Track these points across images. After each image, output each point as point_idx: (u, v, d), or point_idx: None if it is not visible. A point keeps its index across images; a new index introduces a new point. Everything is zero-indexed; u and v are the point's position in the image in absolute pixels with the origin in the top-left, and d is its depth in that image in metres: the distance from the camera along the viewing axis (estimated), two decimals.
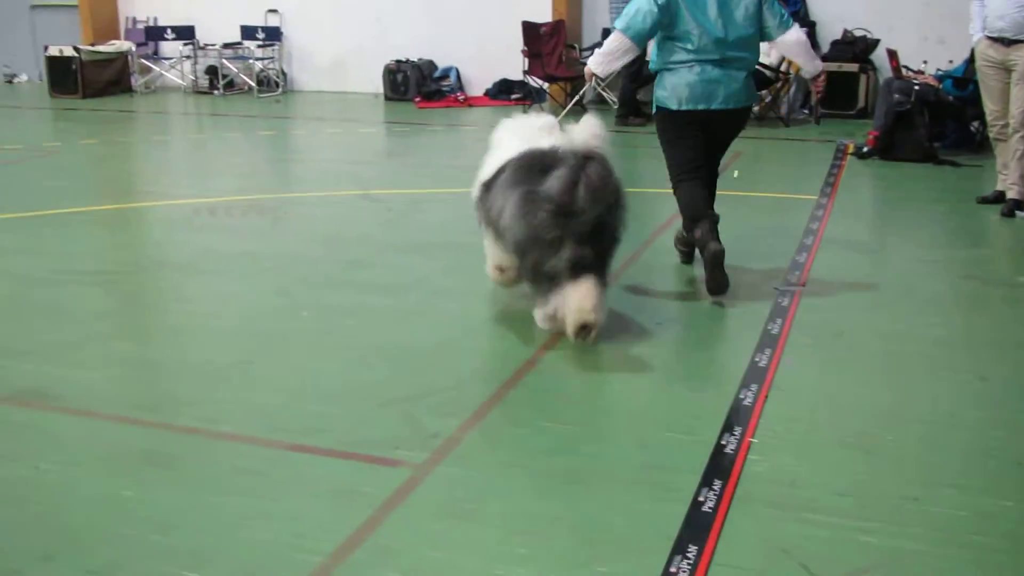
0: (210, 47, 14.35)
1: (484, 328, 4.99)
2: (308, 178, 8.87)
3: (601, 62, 5.42)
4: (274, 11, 14.31)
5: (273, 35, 14.09)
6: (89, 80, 13.96)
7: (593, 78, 5.61)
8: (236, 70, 14.34)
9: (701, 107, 5.21)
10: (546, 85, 12.33)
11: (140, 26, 15.02)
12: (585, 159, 4.34)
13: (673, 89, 5.25)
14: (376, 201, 7.74)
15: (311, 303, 5.31)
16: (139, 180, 9.21)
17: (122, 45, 14.63)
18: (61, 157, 9.99)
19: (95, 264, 6.23)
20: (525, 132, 4.91)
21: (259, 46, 14.15)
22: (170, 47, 14.88)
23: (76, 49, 13.96)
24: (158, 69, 14.85)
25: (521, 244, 4.43)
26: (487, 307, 5.27)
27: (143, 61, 14.82)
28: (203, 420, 3.87)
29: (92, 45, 14.39)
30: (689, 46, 5.16)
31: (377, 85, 13.69)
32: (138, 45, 14.80)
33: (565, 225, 4.27)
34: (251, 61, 14.21)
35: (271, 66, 14.21)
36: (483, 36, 13.30)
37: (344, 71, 14.22)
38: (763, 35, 5.32)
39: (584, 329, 4.34)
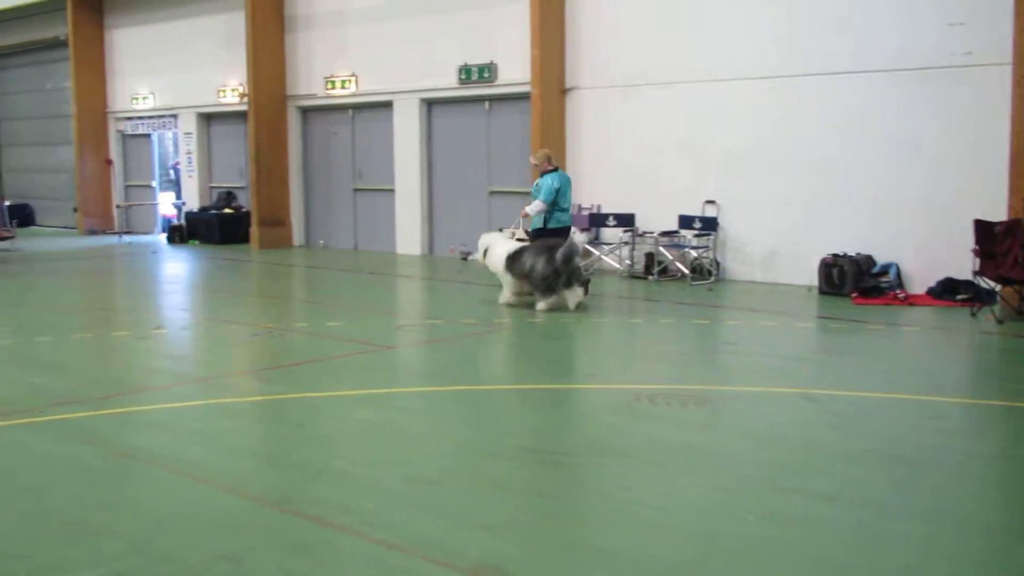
0: (648, 234, 14.97)
1: (947, 560, 4.57)
2: (744, 371, 8.82)
3: (537, 211, 12.53)
4: (712, 202, 14.71)
5: (709, 225, 14.45)
6: None
7: (525, 218, 12.93)
8: (671, 257, 14.80)
9: (565, 226, 12.56)
10: (998, 287, 11.54)
11: (585, 212, 16.02)
12: (568, 244, 11.75)
13: (556, 220, 12.51)
14: (816, 402, 7.51)
15: (755, 506, 5.17)
16: (580, 361, 9.62)
17: None
18: (509, 333, 10.71)
19: (540, 442, 6.50)
20: (501, 238, 12.65)
21: (695, 235, 14.55)
22: (610, 233, 15.70)
23: (526, 231, 15.09)
24: (598, 253, 15.67)
25: (544, 277, 11.67)
26: (950, 533, 4.84)
27: (585, 245, 15.72)
28: None
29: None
30: (564, 204, 12.52)
31: (811, 277, 13.52)
32: (582, 230, 15.75)
33: (565, 268, 11.68)
34: (686, 249, 14.62)
35: (705, 255, 14.53)
36: (928, 232, 12.82)
37: (777, 262, 14.23)
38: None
39: (577, 307, 11.80)
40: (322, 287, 15.19)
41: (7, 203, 23.31)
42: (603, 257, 15.67)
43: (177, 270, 17.50)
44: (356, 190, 20.08)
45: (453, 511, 5.14)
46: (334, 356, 9.43)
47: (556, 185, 12.49)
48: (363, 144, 19.92)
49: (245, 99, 20.88)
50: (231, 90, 21.74)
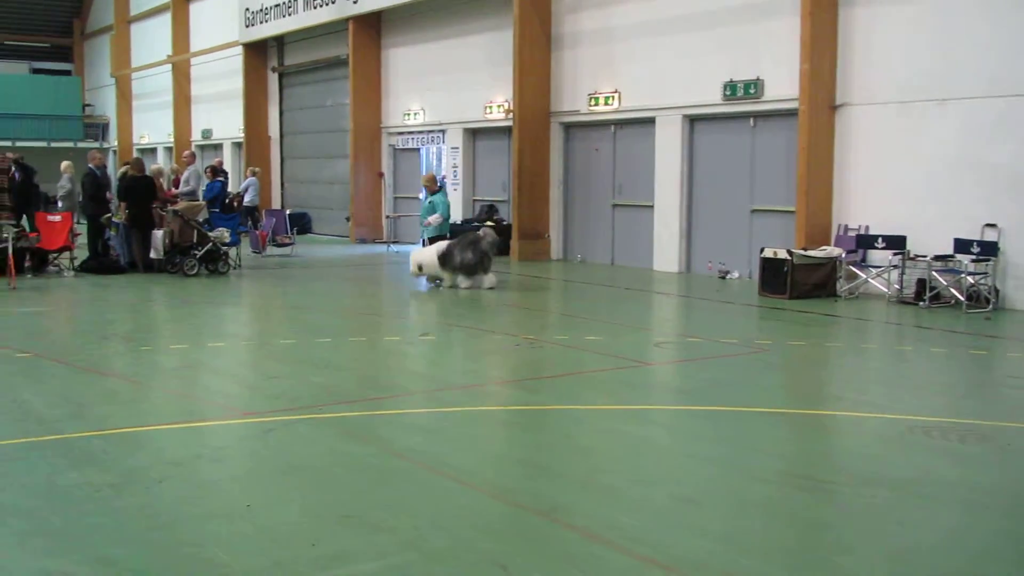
0: (920, 258, 14.24)
1: None
2: None
3: (438, 223, 16.56)
4: (992, 225, 13.83)
5: (989, 250, 13.57)
6: (797, 282, 14.61)
7: (428, 226, 16.72)
8: (945, 283, 14.00)
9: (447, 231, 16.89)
10: None
11: (851, 234, 15.45)
12: (483, 237, 15.50)
13: (446, 228, 16.86)
14: None
15: None
16: (845, 388, 9.25)
17: (832, 251, 15.13)
18: (771, 355, 10.46)
19: (806, 468, 6.31)
20: (432, 248, 15.79)
21: (973, 260, 13.71)
22: (879, 255, 15.05)
23: (789, 252, 14.73)
24: (864, 276, 15.05)
25: (469, 264, 15.25)
26: None
27: (851, 267, 15.16)
28: None
29: (804, 249, 15.08)
30: (448, 216, 17.00)
31: None
32: (848, 252, 15.21)
33: (485, 256, 15.35)
34: (962, 275, 13.80)
35: (983, 282, 13.66)
36: None
37: None
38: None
39: (491, 288, 15.39)
40: (580, 301, 15.36)
41: (288, 212, 24.94)
42: (870, 280, 15.02)
43: None
44: (615, 205, 20.20)
45: (719, 533, 5.07)
46: (594, 370, 9.52)
47: (448, 201, 17.11)
48: (624, 160, 20.02)
49: (510, 115, 21.45)
50: (497, 106, 22.39)
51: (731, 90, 17.27)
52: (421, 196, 17.23)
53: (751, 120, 17.34)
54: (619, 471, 6.21)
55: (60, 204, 21.22)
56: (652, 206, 19.06)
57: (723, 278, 17.42)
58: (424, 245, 16.70)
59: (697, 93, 17.86)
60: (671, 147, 18.49)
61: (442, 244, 15.71)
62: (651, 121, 18.92)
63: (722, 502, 5.60)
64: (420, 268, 15.67)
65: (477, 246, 15.33)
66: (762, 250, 15.34)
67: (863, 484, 5.98)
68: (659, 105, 18.62)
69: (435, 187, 17.05)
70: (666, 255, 18.75)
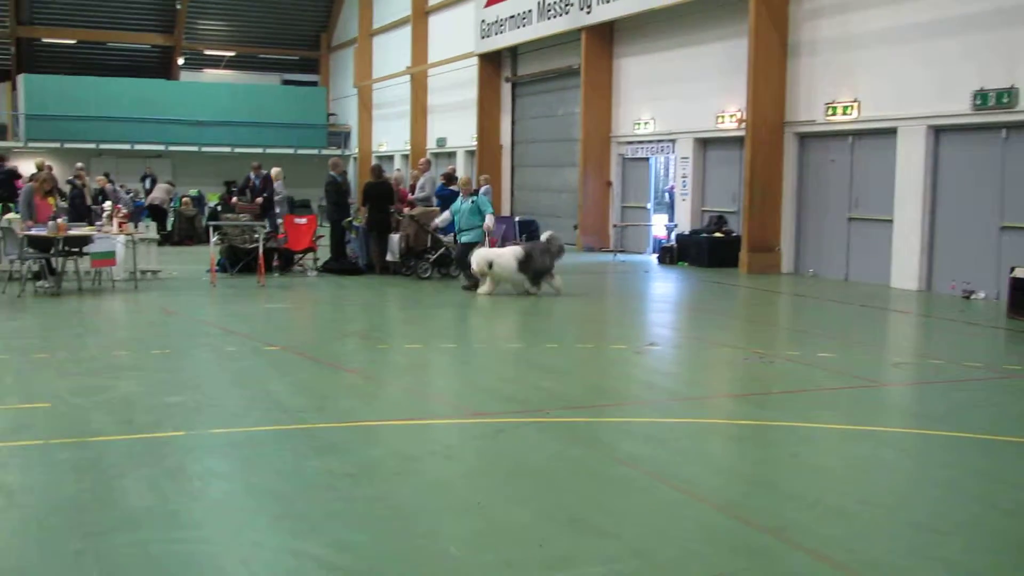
0: None
1: None
2: None
3: (494, 222, 17.00)
4: None
5: None
6: None
7: (488, 230, 16.54)
8: None
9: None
10: None
11: None
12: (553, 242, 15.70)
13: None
14: None
15: None
16: None
17: None
18: (1021, 382, 9.81)
19: None
20: (507, 250, 15.95)
21: None
22: None
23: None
24: None
25: (546, 267, 15.50)
26: None
27: None
28: None
29: None
30: None
31: None
32: None
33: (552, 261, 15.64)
34: None
35: None
36: None
37: None
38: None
39: (558, 292, 15.73)
40: (811, 316, 14.91)
41: (517, 219, 25.40)
42: None
43: (668, 290, 18.06)
44: (850, 219, 19.49)
45: (964, 568, 4.81)
46: (825, 387, 9.22)
47: (489, 200, 17.17)
48: (861, 172, 19.28)
49: (742, 125, 21.09)
50: (729, 116, 22.05)
51: (982, 99, 16.33)
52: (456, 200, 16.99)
53: (1003, 131, 16.34)
54: (851, 493, 5.99)
55: (277, 209, 22.17)
56: (891, 220, 18.25)
57: (967, 298, 16.48)
58: (482, 246, 16.36)
59: (943, 102, 16.99)
60: (914, 159, 17.66)
61: (518, 248, 15.87)
62: (892, 132, 18.14)
63: (967, 534, 5.31)
64: (490, 266, 15.43)
65: (551, 251, 15.61)
66: (1012, 269, 14.42)
67: None
68: (902, 115, 17.83)
69: (471, 188, 16.98)
70: (905, 272, 17.91)
